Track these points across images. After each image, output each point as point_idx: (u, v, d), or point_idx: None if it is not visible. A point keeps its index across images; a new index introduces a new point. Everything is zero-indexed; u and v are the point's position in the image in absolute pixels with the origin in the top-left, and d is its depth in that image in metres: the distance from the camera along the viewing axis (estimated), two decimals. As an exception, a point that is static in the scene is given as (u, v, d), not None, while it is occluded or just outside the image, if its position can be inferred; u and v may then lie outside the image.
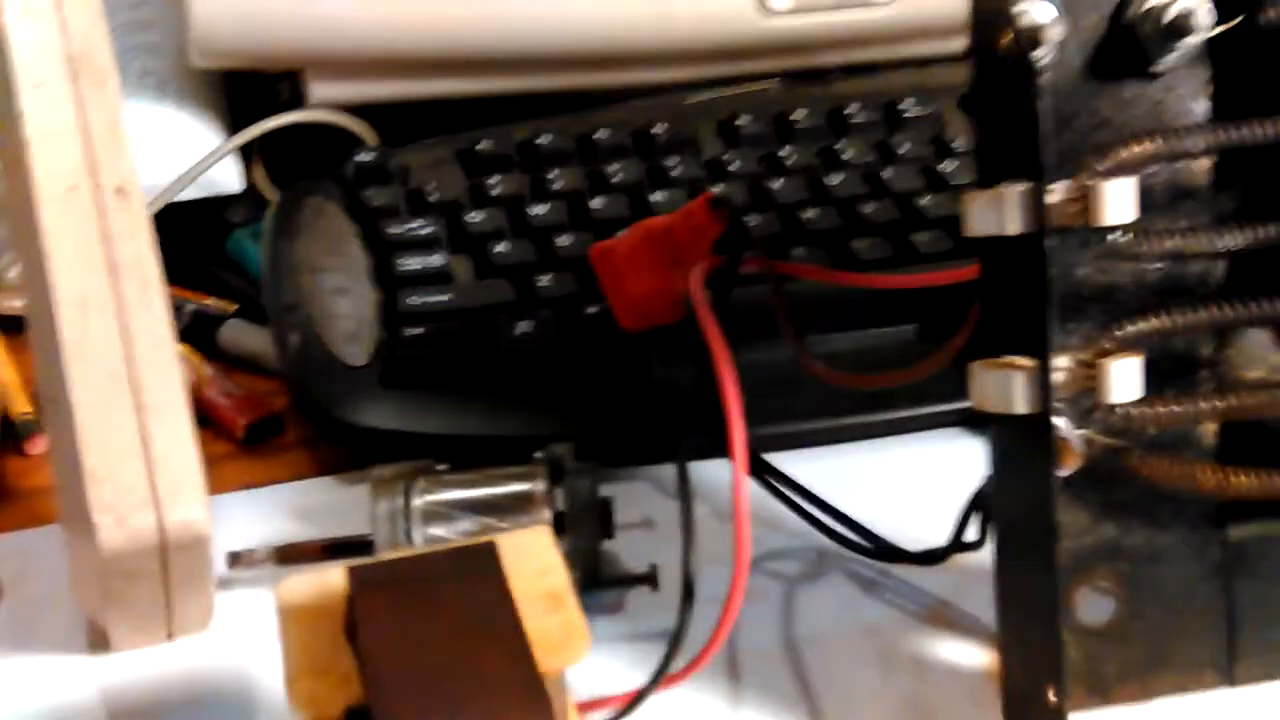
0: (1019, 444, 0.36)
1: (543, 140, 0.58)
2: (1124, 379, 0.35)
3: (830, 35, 0.64)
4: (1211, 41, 0.36)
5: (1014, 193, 0.34)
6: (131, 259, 0.41)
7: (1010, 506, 0.38)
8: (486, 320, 0.51)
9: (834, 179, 0.58)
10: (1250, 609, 0.39)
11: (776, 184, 0.57)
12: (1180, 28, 0.35)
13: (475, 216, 0.55)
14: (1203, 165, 0.37)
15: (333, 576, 0.34)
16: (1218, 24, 0.36)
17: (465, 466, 0.44)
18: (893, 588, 0.44)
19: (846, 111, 0.60)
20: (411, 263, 0.53)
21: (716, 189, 0.56)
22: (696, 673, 0.39)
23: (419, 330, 0.51)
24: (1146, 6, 0.35)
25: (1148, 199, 0.36)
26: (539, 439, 0.45)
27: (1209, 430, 0.38)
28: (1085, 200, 0.34)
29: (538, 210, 0.55)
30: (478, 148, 0.58)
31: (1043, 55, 0.34)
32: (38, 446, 0.51)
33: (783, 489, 0.45)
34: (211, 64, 0.60)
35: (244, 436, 0.51)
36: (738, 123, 0.60)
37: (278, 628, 0.33)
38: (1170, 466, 0.37)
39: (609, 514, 0.43)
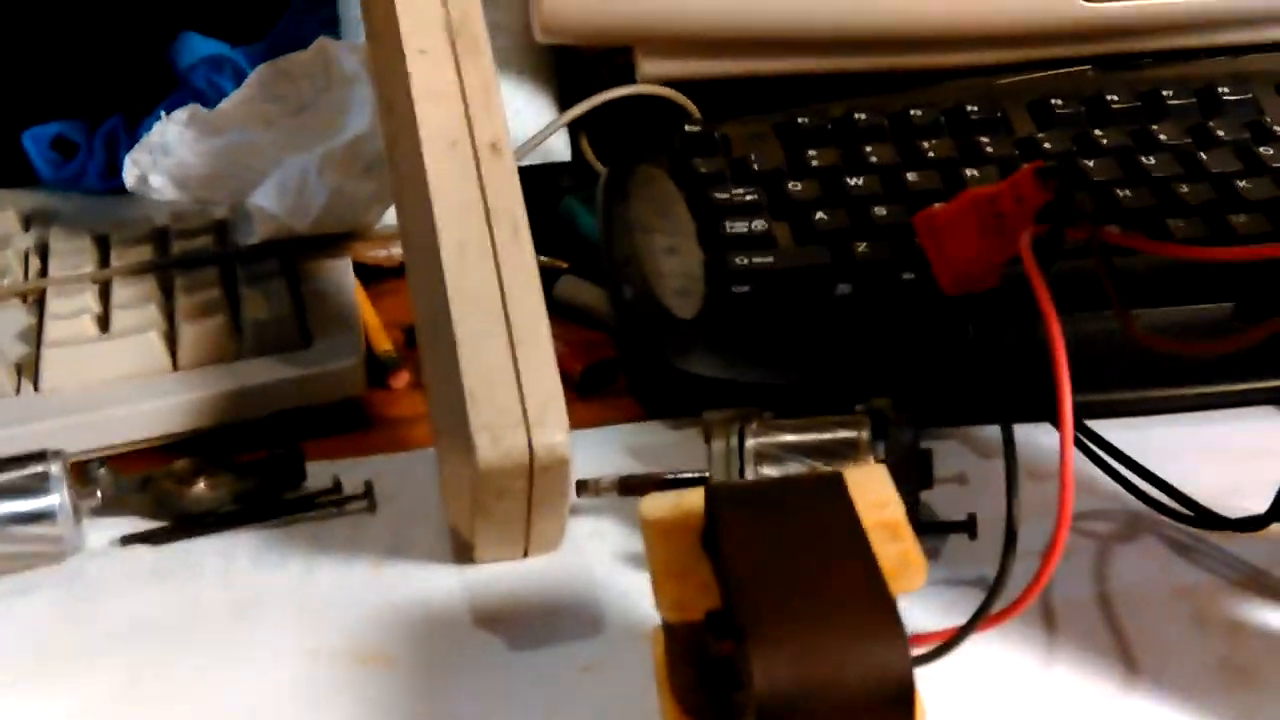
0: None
1: (859, 116, 0.61)
2: None
3: (1146, 20, 0.65)
4: None
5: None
6: (504, 207, 0.45)
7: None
8: (807, 281, 0.54)
9: (1149, 160, 0.58)
10: None
11: (1090, 163, 0.58)
12: None
13: (795, 185, 0.58)
14: None
15: (690, 496, 0.37)
16: None
17: (788, 415, 0.46)
18: (1206, 553, 0.45)
19: (1163, 93, 0.61)
20: (738, 226, 0.56)
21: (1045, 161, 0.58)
22: (1015, 617, 0.40)
23: (745, 288, 0.54)
24: None
25: None
26: (857, 393, 0.48)
27: None
28: None
29: (854, 181, 0.58)
30: (797, 122, 0.61)
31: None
32: (400, 381, 0.56)
33: (1097, 451, 0.47)
34: (554, 40, 0.64)
35: (579, 381, 0.55)
36: (1052, 102, 0.61)
37: (643, 539, 0.36)
38: None
39: (929, 465, 0.46)
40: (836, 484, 0.36)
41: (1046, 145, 0.60)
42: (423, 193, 0.45)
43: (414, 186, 0.46)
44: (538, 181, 0.67)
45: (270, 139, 0.58)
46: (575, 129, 0.69)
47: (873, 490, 0.37)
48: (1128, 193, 0.57)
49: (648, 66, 0.65)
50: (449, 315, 0.43)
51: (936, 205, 0.50)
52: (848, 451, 0.44)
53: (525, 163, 0.66)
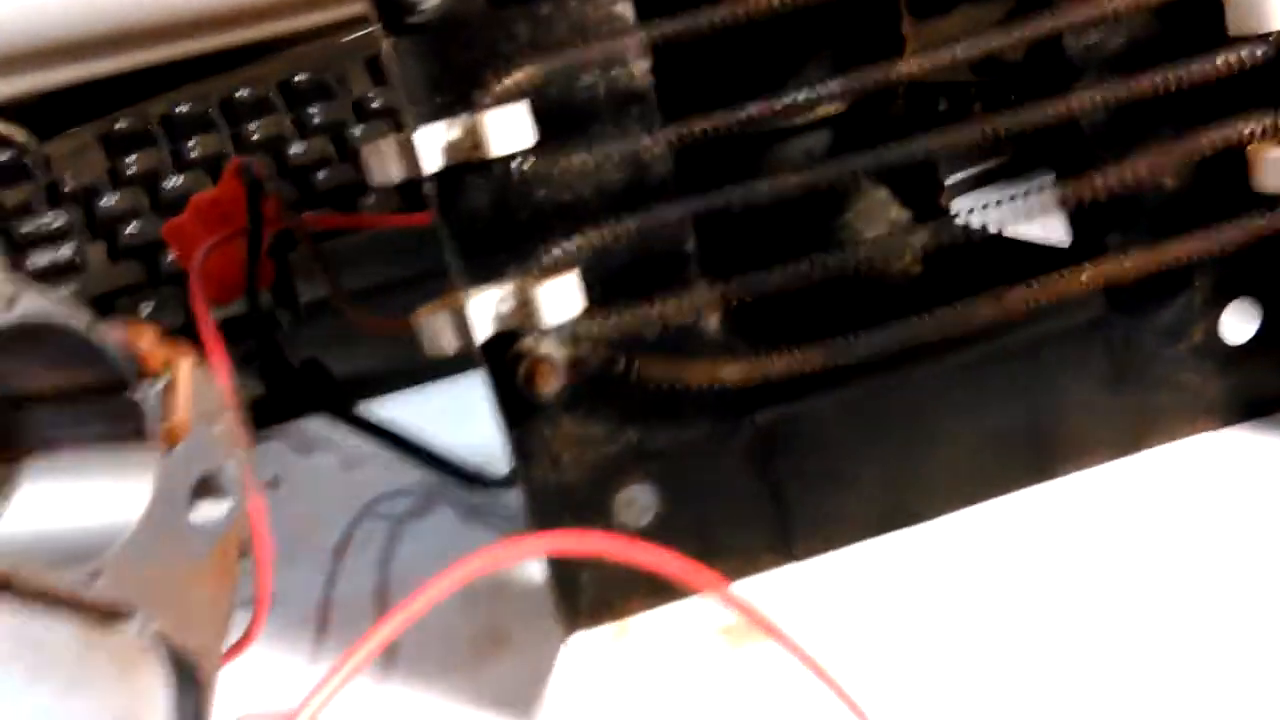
0: (488, 376, 0.36)
1: (181, 109, 0.58)
2: (558, 299, 0.35)
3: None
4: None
5: (398, 139, 0.34)
6: None
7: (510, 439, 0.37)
8: (110, 306, 0.51)
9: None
10: (795, 487, 0.39)
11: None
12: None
13: (109, 200, 0.55)
14: (639, 68, 0.36)
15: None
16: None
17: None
18: (494, 514, 0.45)
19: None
20: (41, 259, 0.53)
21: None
22: (260, 637, 0.38)
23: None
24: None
25: (588, 111, 0.36)
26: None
27: (712, 321, 0.38)
28: (475, 134, 0.34)
29: (171, 183, 0.55)
30: (116, 127, 0.58)
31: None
32: None
33: (379, 434, 0.45)
34: None
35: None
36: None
37: None
38: (676, 365, 0.37)
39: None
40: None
41: (376, 104, 0.58)
42: None
43: None
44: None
45: None
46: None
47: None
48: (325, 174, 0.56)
49: (-37, 93, 0.60)
50: None
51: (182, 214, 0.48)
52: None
53: None
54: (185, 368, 0.24)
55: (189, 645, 0.23)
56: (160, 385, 0.23)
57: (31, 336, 0.21)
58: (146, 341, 0.23)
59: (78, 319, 0.22)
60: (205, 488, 0.24)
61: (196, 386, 0.24)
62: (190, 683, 0.22)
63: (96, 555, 0.22)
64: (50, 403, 0.24)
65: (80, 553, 0.22)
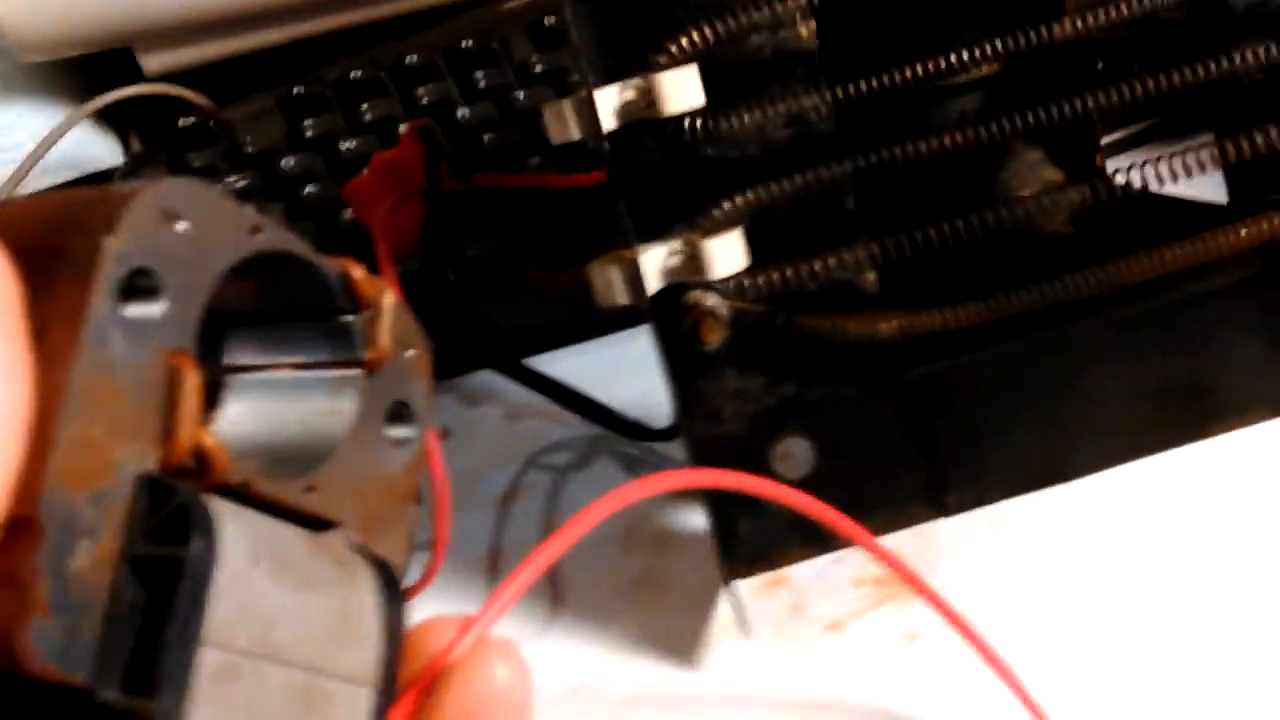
0: (655, 327, 0.38)
1: (354, 74, 0.60)
2: (724, 254, 0.36)
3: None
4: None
5: (577, 100, 0.35)
6: None
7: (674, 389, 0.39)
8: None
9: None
10: (947, 442, 0.40)
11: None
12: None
13: (288, 162, 0.58)
14: (806, 29, 0.37)
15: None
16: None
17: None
18: (654, 464, 0.46)
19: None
20: (223, 219, 0.56)
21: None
22: (433, 583, 0.40)
23: (224, 285, 0.54)
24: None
25: (756, 71, 0.37)
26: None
27: (869, 278, 0.39)
28: (650, 93, 0.35)
29: (346, 145, 0.58)
30: (294, 92, 0.60)
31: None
32: None
33: (545, 388, 0.47)
34: (42, 57, 0.63)
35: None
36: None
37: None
38: (833, 320, 0.38)
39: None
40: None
41: (538, 69, 0.60)
42: None
43: None
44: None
45: None
46: (125, 132, 0.68)
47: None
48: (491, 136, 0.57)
49: (150, 62, 0.64)
50: None
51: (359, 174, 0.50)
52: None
53: (68, 176, 0.64)
54: (389, 298, 0.26)
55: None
56: (367, 314, 0.25)
57: (266, 264, 0.23)
58: (358, 274, 0.25)
59: (309, 251, 0.24)
60: (396, 412, 0.26)
61: (395, 316, 0.26)
62: (395, 590, 0.24)
63: (303, 470, 0.24)
64: (260, 326, 0.26)
65: (287, 467, 0.24)
